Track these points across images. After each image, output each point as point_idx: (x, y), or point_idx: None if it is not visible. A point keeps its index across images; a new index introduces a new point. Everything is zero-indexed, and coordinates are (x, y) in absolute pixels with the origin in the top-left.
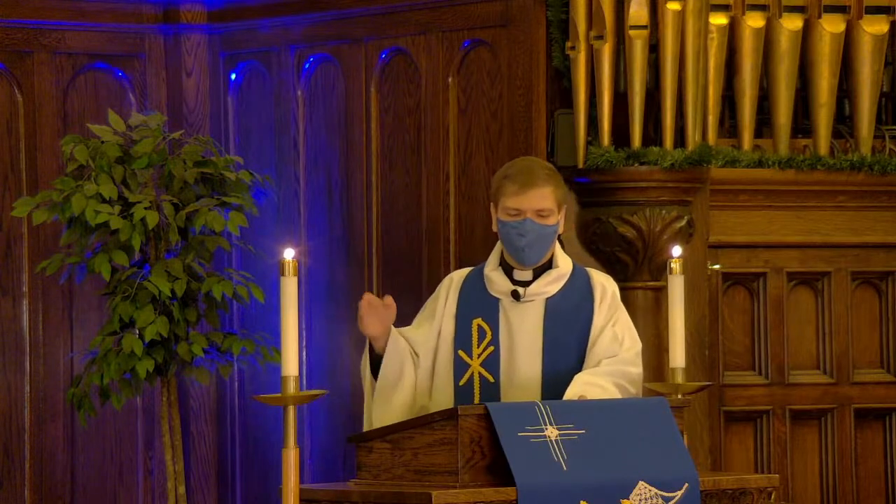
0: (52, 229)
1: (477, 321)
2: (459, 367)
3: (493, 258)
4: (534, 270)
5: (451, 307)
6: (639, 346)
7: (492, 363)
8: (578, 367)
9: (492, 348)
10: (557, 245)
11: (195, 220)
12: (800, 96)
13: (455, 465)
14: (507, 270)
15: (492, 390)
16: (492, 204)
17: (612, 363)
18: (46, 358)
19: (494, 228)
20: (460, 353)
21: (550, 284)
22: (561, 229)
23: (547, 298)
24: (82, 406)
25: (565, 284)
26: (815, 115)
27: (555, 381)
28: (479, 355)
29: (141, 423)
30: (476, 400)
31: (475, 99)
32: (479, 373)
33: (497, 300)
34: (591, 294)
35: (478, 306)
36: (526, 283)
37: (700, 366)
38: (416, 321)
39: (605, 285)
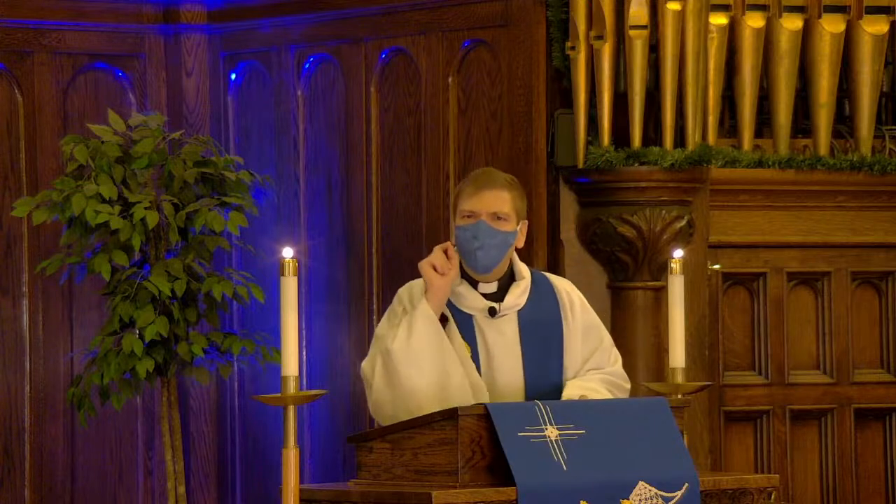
0: (52, 229)
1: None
2: None
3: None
4: (497, 282)
5: None
6: (620, 358)
7: None
8: (559, 380)
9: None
10: (515, 255)
11: (195, 220)
12: (800, 96)
13: (455, 465)
14: (472, 284)
15: None
16: (451, 219)
17: (604, 374)
18: (46, 358)
19: (452, 241)
20: None
21: (521, 297)
22: (519, 244)
23: (518, 311)
24: (82, 406)
25: (531, 294)
26: (815, 115)
27: (537, 396)
28: None
29: (141, 423)
30: None
31: (475, 99)
32: None
33: (470, 316)
34: (557, 304)
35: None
36: (492, 296)
37: (700, 366)
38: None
39: (569, 293)
